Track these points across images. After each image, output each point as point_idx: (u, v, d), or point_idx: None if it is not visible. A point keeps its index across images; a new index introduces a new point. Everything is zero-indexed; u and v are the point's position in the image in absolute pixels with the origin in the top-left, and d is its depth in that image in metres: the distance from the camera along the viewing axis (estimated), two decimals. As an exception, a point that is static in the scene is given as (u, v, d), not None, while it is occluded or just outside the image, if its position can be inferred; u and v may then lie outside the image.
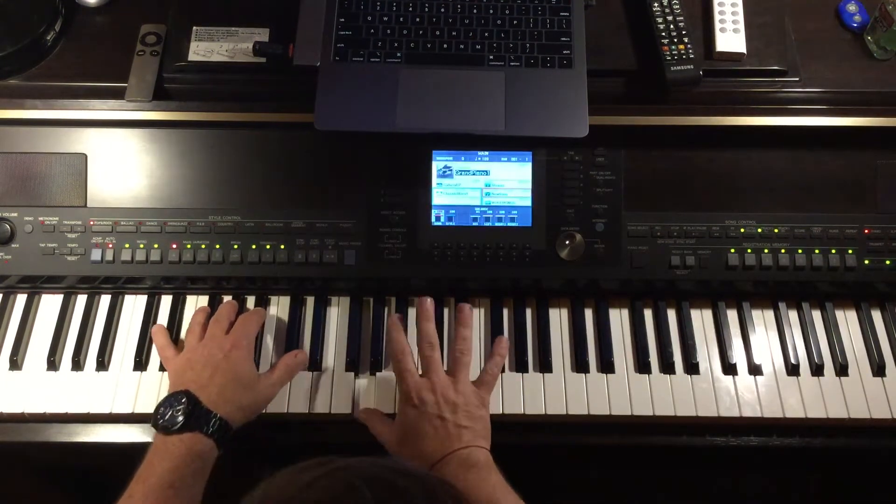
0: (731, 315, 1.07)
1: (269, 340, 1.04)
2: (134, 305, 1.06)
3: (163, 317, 1.05)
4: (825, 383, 1.02)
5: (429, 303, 1.01)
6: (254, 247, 1.02)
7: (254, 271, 1.02)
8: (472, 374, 0.99)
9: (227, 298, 1.06)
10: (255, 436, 0.97)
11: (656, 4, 1.07)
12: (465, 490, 0.83)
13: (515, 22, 1.06)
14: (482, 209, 1.04)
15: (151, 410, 0.97)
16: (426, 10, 1.07)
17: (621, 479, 1.37)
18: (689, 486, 1.39)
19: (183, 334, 1.03)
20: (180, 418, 0.85)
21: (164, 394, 0.98)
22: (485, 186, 1.05)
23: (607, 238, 1.03)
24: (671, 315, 1.07)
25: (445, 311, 1.07)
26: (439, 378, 0.94)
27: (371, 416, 0.96)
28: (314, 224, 1.02)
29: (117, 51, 1.07)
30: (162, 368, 1.01)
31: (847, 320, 1.08)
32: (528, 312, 1.07)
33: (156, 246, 1.01)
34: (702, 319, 1.07)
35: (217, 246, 1.02)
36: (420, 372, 0.96)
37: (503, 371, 1.01)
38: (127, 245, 1.01)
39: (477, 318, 1.06)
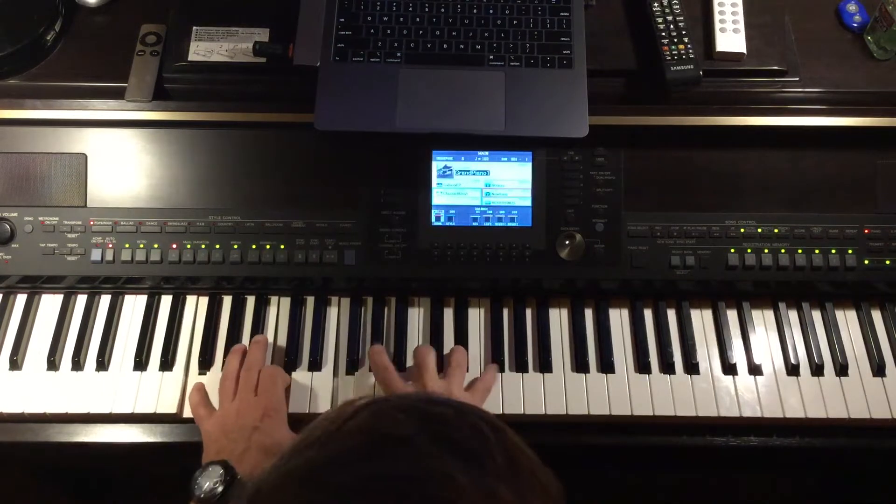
0: (731, 315, 1.07)
1: (269, 341, 1.04)
2: (134, 305, 1.06)
3: (163, 317, 1.05)
4: (825, 383, 1.02)
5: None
6: (254, 247, 1.02)
7: (254, 271, 1.02)
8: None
9: (227, 298, 1.06)
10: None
11: (656, 4, 1.07)
12: None
13: (515, 22, 1.06)
14: (482, 209, 1.04)
15: (151, 410, 0.97)
16: (426, 10, 1.07)
17: (621, 479, 1.36)
18: (689, 486, 1.39)
19: (183, 333, 1.04)
20: (220, 489, 0.84)
21: (164, 394, 0.99)
22: (485, 186, 1.05)
23: (607, 238, 1.03)
24: (671, 315, 1.07)
25: (446, 311, 1.07)
26: (429, 376, 0.94)
27: None
28: (314, 224, 1.02)
29: (117, 51, 1.07)
30: (162, 368, 1.01)
31: (847, 320, 1.08)
32: (528, 312, 1.06)
33: (156, 246, 1.01)
34: (702, 319, 1.07)
35: (217, 246, 1.02)
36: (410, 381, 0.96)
37: (503, 371, 1.02)
38: (127, 245, 1.01)
39: (477, 318, 1.06)
